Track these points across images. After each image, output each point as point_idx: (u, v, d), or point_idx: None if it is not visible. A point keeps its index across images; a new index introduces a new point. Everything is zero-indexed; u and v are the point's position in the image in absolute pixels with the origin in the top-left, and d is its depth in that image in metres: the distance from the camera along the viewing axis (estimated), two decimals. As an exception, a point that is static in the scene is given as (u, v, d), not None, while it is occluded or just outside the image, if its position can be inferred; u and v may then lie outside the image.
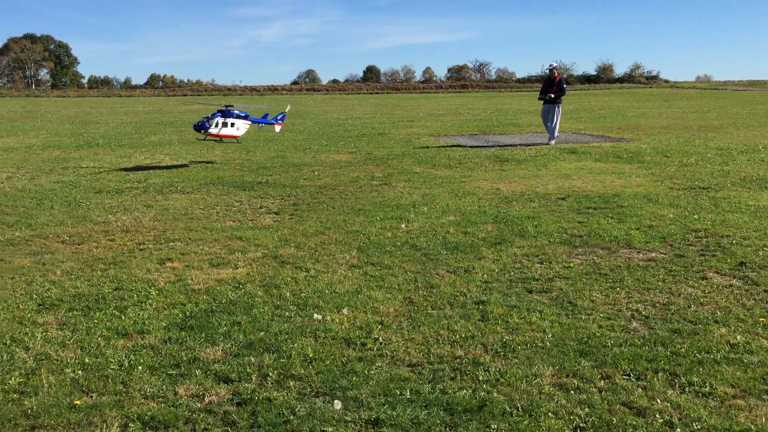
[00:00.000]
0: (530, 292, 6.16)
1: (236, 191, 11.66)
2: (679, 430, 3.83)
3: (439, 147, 18.62)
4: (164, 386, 4.39)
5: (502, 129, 24.51)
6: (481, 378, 4.44)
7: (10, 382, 4.45)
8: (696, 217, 8.98)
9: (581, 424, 3.89)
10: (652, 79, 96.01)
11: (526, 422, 3.90)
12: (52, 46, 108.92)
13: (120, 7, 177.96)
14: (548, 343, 4.97)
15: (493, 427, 3.87)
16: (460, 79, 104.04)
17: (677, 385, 4.32)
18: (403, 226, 8.74)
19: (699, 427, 3.85)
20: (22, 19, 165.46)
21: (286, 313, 5.63)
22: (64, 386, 4.39)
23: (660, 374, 4.46)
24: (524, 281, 6.44)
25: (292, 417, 4.01)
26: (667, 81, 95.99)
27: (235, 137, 15.47)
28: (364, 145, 19.41)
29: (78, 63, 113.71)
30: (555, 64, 19.50)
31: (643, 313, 5.58)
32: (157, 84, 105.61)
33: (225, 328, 5.31)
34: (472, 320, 5.45)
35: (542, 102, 19.21)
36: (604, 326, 5.30)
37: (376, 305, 5.82)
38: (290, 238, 8.22)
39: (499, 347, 4.92)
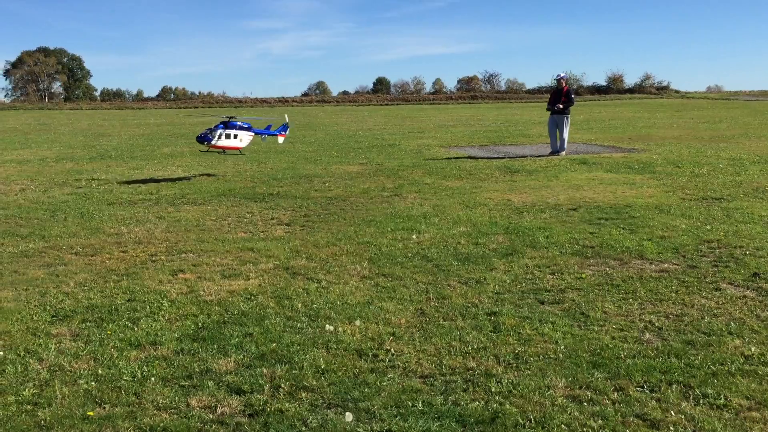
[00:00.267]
0: (542, 303, 6.14)
1: (247, 203, 11.70)
2: (693, 442, 3.80)
3: (449, 158, 18.63)
4: (177, 397, 4.40)
5: (512, 140, 24.50)
6: (493, 389, 4.43)
7: (24, 393, 4.48)
8: (708, 227, 8.94)
9: (595, 437, 3.86)
10: (662, 90, 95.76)
11: (539, 434, 3.89)
12: (65, 59, 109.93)
13: (132, 21, 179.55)
14: (561, 355, 4.95)
15: (505, 439, 3.86)
16: (469, 90, 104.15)
17: (691, 397, 4.29)
18: (414, 237, 8.74)
19: (714, 439, 3.82)
20: (35, 32, 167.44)
21: (298, 325, 5.64)
22: (77, 397, 4.41)
23: (674, 386, 4.43)
24: (536, 292, 6.43)
25: (304, 428, 4.02)
26: (677, 91, 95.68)
27: (238, 149, 15.43)
28: (375, 156, 19.45)
29: (91, 76, 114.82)
30: (562, 75, 19.40)
31: (657, 324, 5.56)
32: (168, 96, 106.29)
33: (237, 339, 5.33)
34: (484, 331, 5.44)
35: (550, 113, 19.11)
36: (617, 337, 5.27)
37: (387, 316, 5.82)
38: (302, 249, 8.23)
39: (511, 358, 4.91)
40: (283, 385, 4.53)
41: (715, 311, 5.84)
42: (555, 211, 10.40)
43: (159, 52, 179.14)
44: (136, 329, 5.60)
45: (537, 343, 5.19)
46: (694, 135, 25.27)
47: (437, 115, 50.53)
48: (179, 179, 14.98)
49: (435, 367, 4.81)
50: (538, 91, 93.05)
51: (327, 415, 4.15)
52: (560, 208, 10.58)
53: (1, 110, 75.08)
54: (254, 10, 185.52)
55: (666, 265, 7.25)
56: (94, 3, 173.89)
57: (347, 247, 8.26)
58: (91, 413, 4.20)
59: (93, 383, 4.61)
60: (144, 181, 14.71)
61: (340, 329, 5.52)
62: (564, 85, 19.09)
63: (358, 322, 5.67)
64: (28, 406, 4.31)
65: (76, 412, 4.22)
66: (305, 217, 10.34)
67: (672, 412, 4.10)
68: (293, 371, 4.74)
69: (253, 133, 15.69)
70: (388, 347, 5.15)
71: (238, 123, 15.30)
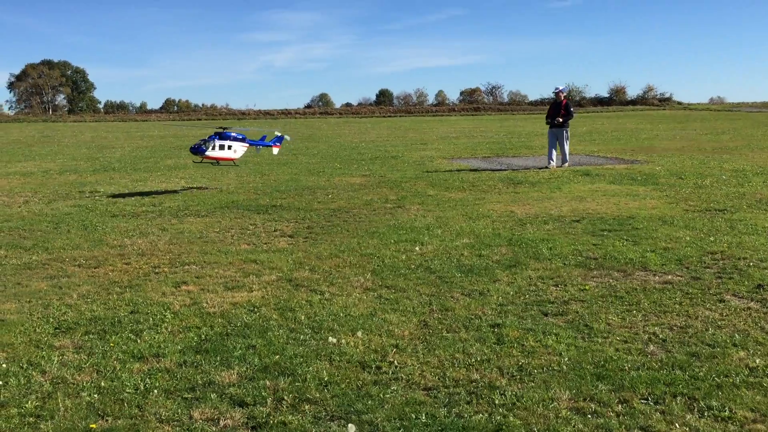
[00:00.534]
0: (546, 314, 6.13)
1: (251, 214, 11.71)
2: (698, 455, 3.78)
3: (452, 170, 18.65)
4: (179, 410, 4.39)
5: (515, 151, 24.54)
6: (497, 402, 4.41)
7: (27, 405, 4.47)
8: (712, 239, 8.92)
9: (599, 449, 3.84)
10: (665, 101, 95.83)
11: (543, 447, 3.87)
12: (69, 72, 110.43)
13: (136, 33, 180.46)
14: (565, 367, 4.93)
15: (509, 451, 3.84)
16: (472, 102, 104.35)
17: (696, 410, 4.27)
18: (417, 248, 8.74)
19: (719, 452, 3.80)
20: (40, 45, 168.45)
21: (301, 337, 5.63)
22: (80, 410, 4.41)
23: (678, 398, 4.41)
24: (540, 304, 6.41)
25: (307, 441, 4.00)
26: (680, 103, 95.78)
27: (232, 160, 15.33)
28: (378, 168, 19.47)
29: (94, 88, 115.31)
30: (561, 88, 19.20)
31: (661, 336, 5.54)
32: (172, 108, 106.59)
33: (240, 351, 5.32)
34: (487, 343, 5.43)
35: (549, 126, 18.92)
36: (621, 349, 5.26)
37: (390, 328, 5.80)
38: (305, 261, 8.23)
39: (515, 371, 4.89)
40: (286, 398, 4.52)
41: (719, 323, 5.82)
42: (558, 222, 10.39)
43: (162, 65, 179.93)
44: (139, 341, 5.59)
45: (541, 355, 5.18)
46: (697, 146, 25.27)
47: (440, 126, 50.63)
48: (168, 192, 14.99)
49: (438, 379, 4.79)
50: (541, 102, 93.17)
51: (330, 428, 4.14)
52: (563, 220, 10.57)
53: (6, 122, 75.37)
54: (257, 23, 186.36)
55: (670, 277, 7.23)
56: (99, 16, 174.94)
57: (350, 259, 8.26)
58: (93, 426, 4.19)
59: (96, 396, 4.60)
60: (147, 193, 14.74)
61: (343, 341, 5.51)
62: (563, 98, 18.94)
63: (361, 334, 5.66)
64: (31, 419, 4.30)
65: (79, 424, 4.22)
66: (308, 228, 10.34)
67: (676, 425, 4.08)
68: (296, 383, 4.73)
69: (247, 144, 15.60)
70: (392, 359, 5.14)
71: (233, 134, 15.22)
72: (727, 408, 4.27)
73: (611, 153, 23.05)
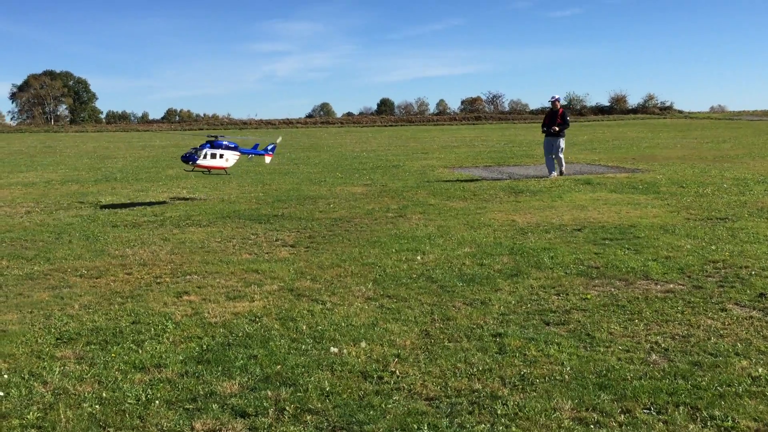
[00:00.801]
0: (547, 324, 6.12)
1: (252, 224, 11.72)
2: (701, 465, 3.77)
3: (453, 179, 18.66)
4: (181, 420, 4.38)
5: (516, 160, 24.56)
6: (499, 412, 4.40)
7: (29, 416, 4.46)
8: (714, 247, 8.91)
9: (602, 459, 3.83)
10: (666, 110, 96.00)
11: (545, 457, 3.86)
12: (71, 82, 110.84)
13: (138, 44, 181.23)
14: (567, 376, 4.92)
15: (512, 462, 3.83)
16: (473, 111, 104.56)
17: (699, 419, 4.26)
18: (418, 258, 8.73)
19: (722, 462, 3.78)
20: (42, 55, 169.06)
21: (303, 347, 5.62)
22: (81, 421, 4.40)
23: (681, 408, 4.40)
24: (541, 313, 6.40)
25: (309, 452, 3.98)
26: (681, 111, 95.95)
27: (223, 168, 15.20)
28: (379, 177, 19.50)
29: (96, 98, 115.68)
30: (557, 97, 19.04)
31: (663, 345, 5.53)
32: (173, 118, 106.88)
33: (242, 361, 5.31)
34: (489, 353, 5.42)
35: (545, 135, 18.77)
36: (623, 359, 5.25)
37: (392, 338, 5.80)
38: (306, 270, 8.23)
39: (517, 380, 4.88)
40: (287, 408, 4.51)
41: (722, 332, 5.80)
42: (559, 231, 10.39)
43: (164, 75, 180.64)
44: (140, 352, 5.59)
45: (543, 364, 5.17)
46: (698, 155, 25.29)
47: (441, 135, 50.70)
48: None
49: (440, 389, 4.78)
50: (542, 111, 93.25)
51: (332, 438, 4.13)
52: (565, 229, 10.57)
53: (8, 133, 75.57)
54: (259, 34, 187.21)
55: (671, 286, 7.22)
56: (100, 27, 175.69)
57: (352, 269, 8.25)
58: (95, 437, 4.18)
59: (97, 406, 4.59)
60: (149, 203, 14.76)
61: (344, 351, 5.50)
62: (559, 106, 18.81)
63: (363, 344, 5.65)
64: (33, 430, 4.30)
65: (81, 435, 4.21)
66: (310, 238, 10.34)
67: (679, 435, 4.07)
68: (298, 394, 4.72)
69: (239, 153, 15.47)
70: (393, 369, 5.13)
71: (224, 142, 15.09)
72: (729, 418, 4.25)
73: (612, 162, 23.07)
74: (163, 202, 14.83)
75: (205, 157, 14.71)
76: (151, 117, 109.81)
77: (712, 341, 5.58)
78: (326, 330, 6.02)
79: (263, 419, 4.38)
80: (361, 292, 7.21)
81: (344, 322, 6.24)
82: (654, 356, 5.29)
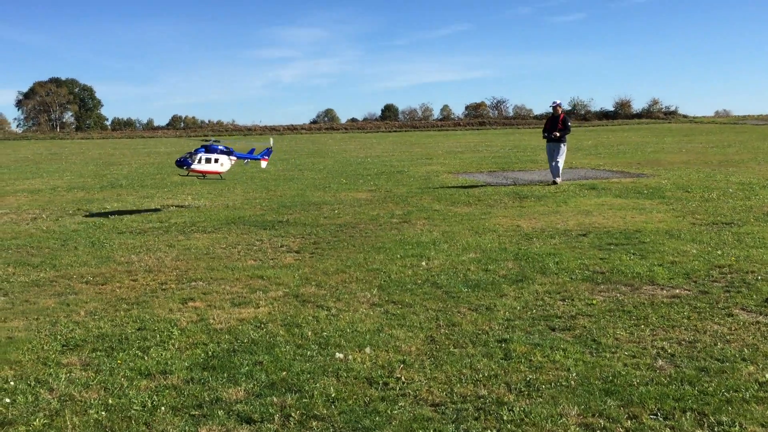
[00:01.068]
0: (553, 329, 6.11)
1: (257, 230, 11.73)
2: (709, 471, 3.75)
3: (458, 184, 18.66)
4: (187, 427, 4.38)
5: (520, 166, 24.55)
6: (505, 418, 4.39)
7: (35, 423, 4.47)
8: (719, 252, 8.89)
9: (608, 465, 3.82)
10: (670, 115, 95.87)
11: (552, 463, 3.85)
12: (76, 90, 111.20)
13: (143, 51, 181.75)
14: (573, 382, 4.91)
15: (518, 468, 3.82)
16: (477, 116, 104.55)
17: (706, 425, 4.24)
18: (423, 263, 8.73)
19: (730, 468, 3.77)
20: (48, 63, 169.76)
21: (308, 353, 5.62)
22: (87, 427, 4.41)
23: (688, 413, 4.39)
24: (547, 319, 6.39)
25: (315, 458, 3.98)
26: (685, 116, 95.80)
27: (218, 173, 15.05)
28: (384, 183, 19.51)
29: (102, 105, 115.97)
30: (558, 102, 18.73)
31: (669, 350, 5.51)
32: (178, 125, 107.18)
33: (247, 367, 5.32)
34: (494, 359, 5.41)
35: (546, 141, 18.54)
36: (630, 364, 5.23)
37: (397, 344, 5.79)
38: (311, 276, 8.24)
39: (522, 386, 4.88)
40: (293, 414, 4.51)
41: (728, 337, 5.79)
42: (564, 236, 10.38)
43: (169, 82, 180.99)
44: (146, 358, 5.60)
45: (548, 370, 5.16)
46: (703, 159, 25.24)
47: (445, 141, 50.72)
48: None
49: (446, 395, 4.78)
50: (547, 116, 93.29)
51: (338, 445, 4.12)
52: (570, 234, 10.56)
53: (14, 140, 75.86)
54: (264, 40, 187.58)
55: (677, 291, 7.21)
56: (106, 34, 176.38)
57: (357, 274, 8.25)
58: (101, 443, 4.18)
59: (103, 413, 4.60)
60: (154, 210, 14.79)
61: (350, 357, 5.50)
62: (560, 112, 18.55)
63: (368, 350, 5.65)
64: (39, 437, 4.31)
65: (87, 442, 4.21)
66: (315, 244, 10.35)
67: (686, 440, 4.05)
68: (303, 400, 4.72)
69: (234, 157, 15.35)
70: (399, 375, 5.12)
71: (219, 147, 14.99)
72: (737, 423, 4.24)
73: (617, 167, 23.05)
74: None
75: (199, 161, 14.55)
76: (156, 124, 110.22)
77: (718, 347, 5.56)
78: (331, 336, 6.02)
79: (269, 425, 4.38)
80: (366, 298, 7.21)
81: (349, 328, 6.24)
82: (660, 362, 5.27)
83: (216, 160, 14.80)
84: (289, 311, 6.82)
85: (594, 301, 6.89)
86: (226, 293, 7.57)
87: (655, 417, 4.36)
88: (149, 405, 4.71)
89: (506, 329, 6.12)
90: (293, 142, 58.30)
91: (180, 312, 6.89)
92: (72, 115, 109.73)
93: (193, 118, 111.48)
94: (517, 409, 4.50)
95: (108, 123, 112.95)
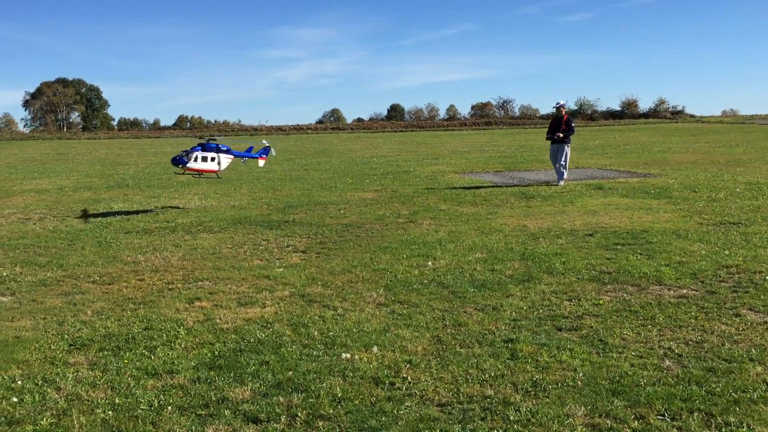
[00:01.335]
0: (560, 329, 6.10)
1: (263, 230, 11.74)
2: (716, 472, 3.73)
3: (464, 184, 18.64)
4: (194, 426, 4.39)
5: (527, 165, 24.51)
6: (512, 418, 4.38)
7: (42, 422, 4.49)
8: (727, 252, 8.86)
9: (615, 466, 3.81)
10: (677, 114, 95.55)
11: (558, 464, 3.84)
12: (83, 90, 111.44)
13: (149, 51, 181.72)
14: (579, 382, 4.90)
15: (525, 468, 3.81)
16: (483, 116, 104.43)
17: (713, 426, 4.23)
18: (429, 263, 8.73)
19: (737, 469, 3.75)
20: (54, 63, 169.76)
21: (314, 352, 5.63)
22: (94, 427, 4.42)
23: (695, 414, 4.37)
24: (553, 319, 6.38)
25: (321, 458, 3.98)
26: (692, 116, 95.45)
27: (215, 172, 14.90)
28: (390, 182, 19.50)
29: (108, 105, 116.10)
30: (562, 102, 18.59)
31: (676, 351, 5.49)
32: (185, 125, 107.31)
33: (253, 367, 5.32)
34: (501, 359, 5.40)
35: (550, 142, 18.36)
36: (637, 365, 5.22)
37: (404, 344, 5.79)
38: (317, 276, 8.24)
39: (529, 386, 4.87)
40: (299, 414, 4.51)
41: (736, 337, 5.76)
42: (571, 236, 10.36)
43: (176, 82, 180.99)
44: (152, 358, 5.61)
45: (555, 370, 5.15)
46: (710, 159, 25.16)
47: (451, 141, 50.68)
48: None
49: (452, 395, 4.77)
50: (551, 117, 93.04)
51: (344, 445, 4.12)
52: (576, 234, 10.53)
53: (21, 140, 76.12)
54: (270, 40, 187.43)
55: (685, 291, 7.18)
56: (112, 35, 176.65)
57: (363, 274, 8.25)
58: (108, 443, 4.19)
59: (110, 412, 4.61)
60: (160, 209, 14.81)
61: (356, 357, 5.50)
62: (564, 112, 18.40)
63: (374, 350, 5.65)
64: (46, 436, 4.32)
65: (94, 441, 4.22)
66: (321, 244, 10.35)
67: (694, 441, 4.04)
68: (310, 400, 4.72)
69: (231, 156, 15.22)
70: (405, 375, 5.12)
71: (217, 145, 14.84)
72: (744, 424, 4.22)
73: (624, 166, 22.99)
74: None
75: (195, 160, 14.40)
76: (162, 124, 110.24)
77: (726, 347, 5.54)
78: (338, 336, 6.02)
79: (275, 425, 4.38)
80: (372, 298, 7.21)
81: (356, 327, 6.24)
82: (668, 362, 5.26)
83: (213, 159, 14.64)
84: (296, 311, 6.82)
85: (601, 302, 6.88)
86: (233, 293, 7.58)
87: (662, 417, 4.35)
88: (156, 404, 4.72)
89: (513, 329, 6.11)
90: (299, 141, 58.36)
91: (186, 312, 6.91)
92: (79, 115, 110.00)
93: (200, 118, 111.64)
94: (524, 410, 4.49)
95: (115, 123, 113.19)
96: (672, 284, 7.45)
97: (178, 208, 15.10)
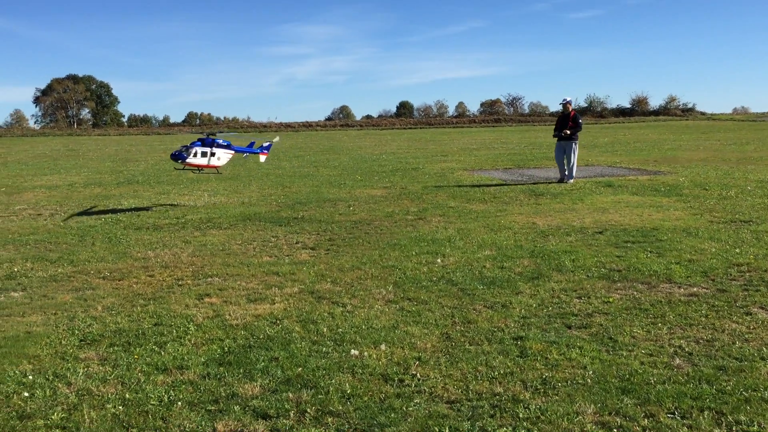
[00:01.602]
0: (569, 327, 6.08)
1: (272, 227, 11.76)
2: (727, 470, 3.72)
3: (473, 181, 18.62)
4: (203, 422, 4.41)
5: (536, 163, 24.44)
6: (521, 415, 4.38)
7: (53, 417, 4.51)
8: (738, 250, 8.81)
9: (625, 464, 3.80)
10: (688, 112, 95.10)
11: (568, 461, 3.83)
12: (93, 86, 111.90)
13: (159, 48, 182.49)
14: (589, 380, 4.89)
15: (534, 466, 3.80)
16: (493, 113, 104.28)
17: (724, 424, 4.21)
18: (438, 260, 8.72)
19: (748, 468, 3.73)
20: (65, 60, 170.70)
21: (324, 349, 5.63)
22: (105, 422, 4.44)
23: (706, 413, 4.35)
24: (563, 316, 6.36)
25: (330, 454, 3.99)
26: (703, 113, 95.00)
27: (215, 167, 14.78)
28: (399, 179, 19.50)
29: (118, 102, 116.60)
30: (569, 99, 18.34)
31: (687, 349, 5.47)
32: (194, 122, 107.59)
33: (263, 363, 5.33)
34: (510, 356, 5.40)
35: (557, 139, 18.25)
36: (647, 363, 5.20)
37: (413, 341, 5.79)
38: (326, 273, 8.25)
39: (538, 384, 4.86)
40: (309, 410, 4.52)
41: (747, 336, 5.73)
42: (581, 234, 10.33)
43: (185, 79, 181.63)
44: (162, 353, 5.63)
45: (565, 368, 5.14)
46: (721, 157, 25.02)
47: (460, 138, 50.60)
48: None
49: (461, 392, 4.77)
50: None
51: (353, 441, 4.13)
52: (586, 231, 10.50)
53: (31, 136, 76.50)
54: (279, 37, 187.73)
55: (695, 289, 7.15)
56: (122, 31, 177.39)
57: (372, 271, 8.26)
58: (118, 437, 4.21)
59: (120, 407, 4.63)
60: (170, 206, 14.86)
61: (365, 354, 5.50)
62: (570, 109, 18.21)
63: (383, 347, 5.65)
64: (57, 430, 4.35)
65: (104, 436, 4.24)
66: (330, 240, 10.36)
67: (704, 440, 4.02)
68: (319, 396, 4.73)
69: (232, 151, 15.06)
70: (414, 372, 5.12)
71: (218, 140, 14.71)
72: (755, 423, 4.20)
73: (634, 164, 22.89)
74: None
75: (195, 155, 14.24)
76: (172, 120, 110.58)
77: (737, 345, 5.51)
78: (347, 332, 6.02)
79: (285, 421, 4.39)
80: (381, 295, 7.21)
81: (365, 324, 6.24)
82: (678, 360, 5.23)
83: (213, 154, 14.49)
84: (305, 307, 6.83)
85: (611, 299, 6.85)
86: (242, 289, 7.60)
87: (672, 416, 4.33)
88: (166, 400, 4.74)
89: (522, 327, 6.10)
90: (308, 138, 58.41)
91: (196, 308, 6.93)
92: (89, 112, 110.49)
93: (209, 114, 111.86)
94: (533, 407, 4.48)
95: (124, 119, 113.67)
96: (682, 282, 7.42)
97: (179, 205, 15.10)
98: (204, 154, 14.39)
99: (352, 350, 5.57)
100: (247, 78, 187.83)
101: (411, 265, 8.52)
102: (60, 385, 5.04)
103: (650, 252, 8.89)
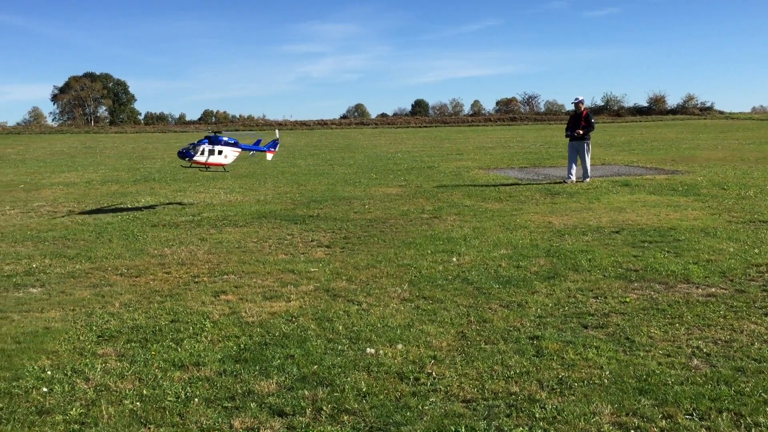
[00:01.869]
0: (586, 327, 6.05)
1: (288, 225, 11.79)
2: (746, 473, 3.69)
3: (488, 180, 18.56)
4: (220, 419, 4.43)
5: (552, 162, 24.32)
6: (537, 415, 4.36)
7: (72, 412, 4.55)
8: (756, 251, 8.73)
9: (643, 465, 3.77)
10: (706, 111, 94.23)
11: (585, 462, 3.81)
12: (110, 84, 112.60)
13: (176, 46, 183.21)
14: (606, 380, 4.86)
15: (550, 466, 3.79)
16: (508, 111, 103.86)
17: (743, 426, 4.17)
18: (454, 259, 8.70)
19: (767, 470, 3.70)
20: (82, 58, 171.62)
21: (339, 347, 5.64)
22: (123, 417, 4.47)
23: (724, 414, 4.32)
24: (579, 316, 6.33)
25: (346, 452, 3.99)
26: (722, 112, 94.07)
27: (222, 165, 14.85)
28: (414, 178, 19.48)
29: (135, 100, 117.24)
30: (581, 98, 18.04)
31: (705, 350, 5.43)
32: (210, 119, 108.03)
33: (279, 361, 5.35)
34: (526, 356, 5.38)
35: (569, 139, 17.96)
36: (664, 363, 5.16)
37: (428, 339, 5.79)
38: (342, 271, 8.26)
39: (555, 384, 4.84)
40: (324, 408, 4.53)
41: (765, 337, 5.68)
42: (597, 233, 10.27)
43: (201, 77, 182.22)
44: (179, 350, 5.66)
45: (581, 368, 5.11)
46: (740, 156, 24.79)
47: (476, 137, 50.46)
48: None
49: (477, 391, 4.76)
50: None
51: (369, 439, 4.13)
52: (603, 231, 10.44)
53: (49, 134, 77.11)
54: (294, 35, 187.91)
55: (713, 290, 7.09)
56: (139, 30, 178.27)
57: (387, 270, 8.26)
58: (136, 433, 4.24)
59: (138, 403, 4.67)
60: (186, 203, 14.93)
61: (381, 352, 5.50)
62: (583, 108, 17.95)
63: (399, 345, 5.65)
64: (75, 426, 4.38)
65: None
66: (345, 239, 10.37)
67: (723, 441, 3.99)
68: (335, 394, 4.74)
69: (239, 149, 15.14)
70: (430, 371, 5.12)
71: (224, 138, 14.76)
72: (775, 425, 4.16)
73: (651, 163, 22.74)
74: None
75: (202, 153, 14.31)
76: (188, 118, 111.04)
77: (755, 346, 5.47)
78: (362, 331, 6.03)
79: (301, 419, 4.40)
80: (396, 293, 7.21)
81: (380, 323, 6.25)
82: (696, 361, 5.20)
83: (220, 152, 14.54)
84: (320, 305, 6.85)
85: (627, 299, 6.81)
86: (258, 287, 7.62)
87: (690, 417, 4.30)
88: (183, 396, 4.76)
89: (538, 326, 6.07)
90: (323, 136, 58.49)
91: (212, 305, 6.96)
92: (106, 110, 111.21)
93: (225, 112, 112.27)
94: (550, 407, 4.47)
95: (141, 117, 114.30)
96: (700, 282, 7.36)
97: (185, 204, 15.14)
98: (211, 152, 14.46)
99: (368, 348, 5.57)
100: (262, 76, 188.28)
101: (426, 263, 8.51)
102: (78, 380, 5.08)
103: (668, 252, 8.83)
